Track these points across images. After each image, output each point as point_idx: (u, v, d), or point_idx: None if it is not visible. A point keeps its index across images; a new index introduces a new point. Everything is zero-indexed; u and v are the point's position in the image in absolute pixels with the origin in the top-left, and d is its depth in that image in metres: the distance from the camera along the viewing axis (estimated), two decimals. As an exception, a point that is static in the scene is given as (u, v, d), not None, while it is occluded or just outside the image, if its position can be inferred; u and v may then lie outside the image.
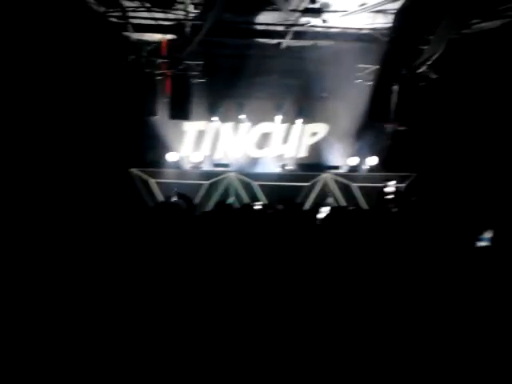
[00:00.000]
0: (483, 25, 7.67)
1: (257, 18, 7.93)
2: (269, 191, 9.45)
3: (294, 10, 7.34)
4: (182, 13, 7.55)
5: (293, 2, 7.18)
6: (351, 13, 7.43)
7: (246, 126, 10.31)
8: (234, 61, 9.25)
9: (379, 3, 6.98)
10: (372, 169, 10.06)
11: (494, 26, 7.70)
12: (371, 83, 9.03)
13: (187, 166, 9.95)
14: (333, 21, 7.76)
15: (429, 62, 8.29)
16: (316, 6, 6.93)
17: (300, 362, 2.03)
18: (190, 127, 10.16)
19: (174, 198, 8.00)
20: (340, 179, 9.84)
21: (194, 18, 7.73)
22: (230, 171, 9.71)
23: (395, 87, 8.21)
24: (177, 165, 9.80)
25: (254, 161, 10.49)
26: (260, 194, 9.47)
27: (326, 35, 8.35)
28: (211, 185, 9.48)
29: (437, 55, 7.85)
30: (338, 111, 9.85)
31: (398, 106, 8.38)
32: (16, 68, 7.61)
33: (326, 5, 7.25)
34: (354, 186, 9.78)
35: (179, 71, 9.04)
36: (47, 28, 7.40)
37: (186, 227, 3.25)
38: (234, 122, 10.30)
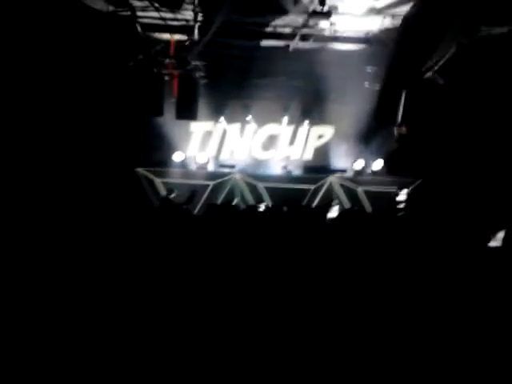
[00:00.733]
0: (491, 30, 7.64)
1: (265, 19, 7.94)
2: (274, 193, 9.44)
3: (303, 13, 7.34)
4: (191, 13, 7.58)
5: (301, 4, 7.19)
6: (360, 15, 7.43)
7: (252, 127, 10.31)
8: (242, 62, 9.25)
9: (387, 7, 6.97)
10: (378, 172, 10.02)
11: (502, 31, 7.67)
12: (378, 87, 9.02)
13: (193, 167, 9.96)
14: (341, 24, 7.76)
15: (436, 67, 8.28)
16: (324, 8, 6.92)
17: (304, 360, 2.03)
18: (197, 127, 10.16)
19: (173, 195, 8.06)
20: (345, 182, 9.82)
21: (203, 19, 7.76)
22: (236, 172, 9.71)
23: (402, 91, 8.19)
24: (183, 165, 9.81)
25: (260, 162, 10.47)
26: (265, 195, 9.47)
27: (334, 38, 8.35)
28: (216, 185, 9.48)
29: (444, 60, 7.84)
30: (344, 114, 9.82)
31: (404, 110, 8.35)
32: (23, 67, 7.67)
33: (335, 8, 7.25)
34: (360, 189, 9.75)
35: (187, 71, 9.05)
36: (55, 26, 7.45)
37: (188, 227, 3.25)
38: (241, 123, 10.29)
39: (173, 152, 9.78)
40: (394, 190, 8.99)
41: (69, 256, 2.71)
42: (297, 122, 10.37)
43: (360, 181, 9.85)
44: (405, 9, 7.16)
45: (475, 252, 3.03)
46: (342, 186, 9.79)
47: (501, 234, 3.09)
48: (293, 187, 9.55)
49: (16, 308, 2.23)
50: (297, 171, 10.25)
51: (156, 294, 2.36)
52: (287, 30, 8.21)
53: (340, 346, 2.12)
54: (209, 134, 10.28)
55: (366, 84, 9.42)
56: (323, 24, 7.66)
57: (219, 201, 9.25)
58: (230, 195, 9.52)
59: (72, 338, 2.11)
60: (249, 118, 10.14)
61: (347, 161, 10.26)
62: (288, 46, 8.69)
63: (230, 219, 3.69)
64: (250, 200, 9.43)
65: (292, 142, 10.50)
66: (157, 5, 7.32)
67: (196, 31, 8.08)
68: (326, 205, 7.89)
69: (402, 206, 8.66)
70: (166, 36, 8.55)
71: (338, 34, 8.21)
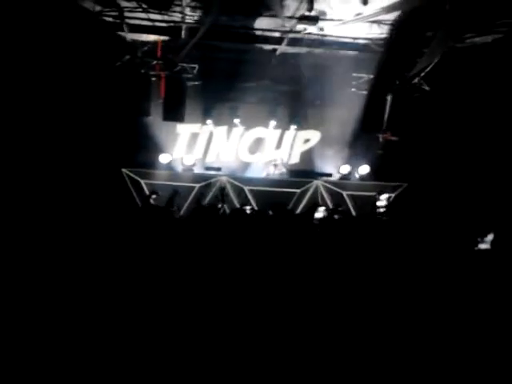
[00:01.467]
0: (476, 39, 7.79)
1: (253, 23, 7.96)
2: (259, 196, 9.43)
3: (291, 17, 7.38)
4: (179, 15, 7.57)
5: (290, 8, 7.23)
6: (347, 22, 7.49)
7: (239, 130, 10.31)
8: (230, 65, 9.25)
9: (375, 14, 7.05)
10: (364, 177, 10.09)
11: (486, 41, 7.83)
12: (365, 92, 9.11)
13: (179, 169, 9.91)
14: (329, 29, 7.82)
15: (422, 74, 8.40)
16: (313, 13, 6.96)
17: (289, 364, 2.03)
18: (184, 129, 10.13)
19: (154, 196, 8.03)
20: (331, 187, 9.86)
21: (191, 21, 7.75)
22: (222, 175, 9.68)
23: (389, 97, 8.29)
24: (169, 167, 9.75)
25: (246, 165, 10.48)
26: (251, 198, 9.45)
27: (322, 43, 8.40)
28: (202, 188, 9.43)
29: (430, 67, 7.96)
30: (331, 119, 9.87)
31: (390, 117, 8.45)
32: (9, 69, 7.57)
33: (323, 13, 7.30)
34: (345, 194, 9.80)
35: (174, 73, 9.03)
36: (40, 27, 7.37)
37: (170, 229, 3.23)
38: (228, 126, 10.29)
39: (159, 153, 9.72)
40: (374, 194, 9.08)
41: (52, 255, 2.67)
42: (283, 125, 10.41)
43: (346, 185, 9.90)
44: (392, 17, 7.25)
45: (460, 255, 3.07)
46: (327, 190, 9.83)
47: (490, 237, 3.13)
48: (278, 191, 9.55)
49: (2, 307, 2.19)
50: (286, 171, 10.22)
51: (140, 296, 2.34)
52: (275, 34, 8.23)
53: (328, 349, 2.12)
54: (195, 136, 10.25)
55: (353, 89, 9.51)
56: (311, 29, 7.69)
57: (205, 203, 9.20)
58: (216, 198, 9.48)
59: (56, 340, 2.07)
60: (236, 121, 10.14)
61: (333, 165, 10.31)
62: (276, 49, 8.72)
63: (215, 222, 3.68)
64: (236, 203, 9.40)
65: (278, 145, 10.53)
66: (145, 6, 7.29)
67: (184, 33, 8.06)
68: (312, 207, 7.90)
69: (382, 210, 8.75)
70: (153, 37, 8.52)
71: (326, 39, 8.25)
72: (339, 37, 8.18)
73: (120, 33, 8.22)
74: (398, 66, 8.08)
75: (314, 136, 10.50)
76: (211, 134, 10.29)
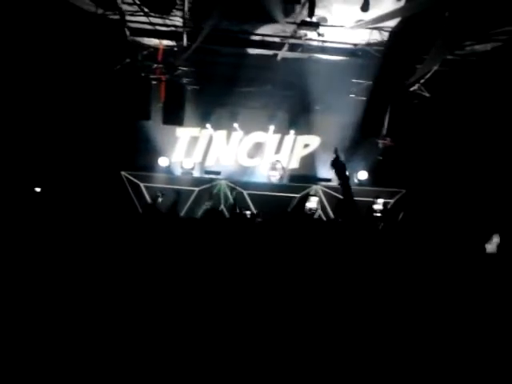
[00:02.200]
0: (475, 47, 7.83)
1: (254, 28, 7.99)
2: (259, 201, 9.44)
3: (291, 23, 7.41)
4: (180, 19, 7.59)
5: (290, 14, 7.26)
6: (348, 28, 7.53)
7: (238, 134, 10.33)
8: (230, 69, 9.27)
9: (375, 20, 7.08)
10: (363, 183, 10.11)
11: (486, 48, 7.87)
12: (364, 98, 9.14)
13: (178, 172, 9.92)
14: (329, 35, 7.85)
15: (422, 81, 8.44)
16: (313, 19, 7.00)
17: (289, 364, 2.03)
18: (183, 133, 10.15)
19: (160, 199, 8.02)
20: (330, 192, 9.87)
21: (192, 25, 7.77)
22: (221, 179, 9.69)
23: (388, 104, 8.32)
24: (168, 170, 9.77)
25: (245, 170, 10.49)
26: (250, 202, 9.46)
27: (322, 49, 8.44)
28: (201, 192, 9.44)
29: (430, 74, 7.99)
30: (330, 124, 9.90)
31: (390, 123, 8.47)
32: (10, 73, 7.58)
33: (324, 19, 7.34)
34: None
35: (174, 77, 9.06)
36: (40, 30, 7.39)
37: (173, 233, 3.23)
38: (227, 130, 10.31)
39: (159, 157, 9.74)
40: (371, 200, 9.09)
41: (52, 257, 2.67)
42: (283, 130, 10.43)
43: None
44: (392, 23, 7.29)
45: (459, 261, 3.07)
46: (326, 195, 9.84)
47: (496, 239, 3.14)
48: (277, 195, 9.56)
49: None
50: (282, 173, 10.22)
51: (140, 297, 2.34)
52: (276, 40, 8.27)
53: (329, 349, 2.12)
54: (195, 139, 10.28)
55: (353, 95, 9.54)
56: (311, 35, 7.73)
57: (205, 206, 9.20)
58: (215, 202, 9.49)
59: (56, 343, 2.07)
60: (235, 125, 10.16)
61: (332, 171, 10.30)
62: (276, 55, 8.76)
63: (215, 225, 3.68)
64: (236, 207, 9.40)
65: (278, 150, 10.55)
66: (146, 10, 7.32)
67: (185, 37, 8.09)
68: (304, 197, 7.83)
69: (378, 215, 8.77)
70: (154, 41, 8.55)
71: (326, 45, 8.29)
72: (339, 43, 8.22)
73: (121, 36, 8.24)
74: (397, 72, 8.11)
75: (313, 141, 10.52)
76: (211, 138, 10.31)
